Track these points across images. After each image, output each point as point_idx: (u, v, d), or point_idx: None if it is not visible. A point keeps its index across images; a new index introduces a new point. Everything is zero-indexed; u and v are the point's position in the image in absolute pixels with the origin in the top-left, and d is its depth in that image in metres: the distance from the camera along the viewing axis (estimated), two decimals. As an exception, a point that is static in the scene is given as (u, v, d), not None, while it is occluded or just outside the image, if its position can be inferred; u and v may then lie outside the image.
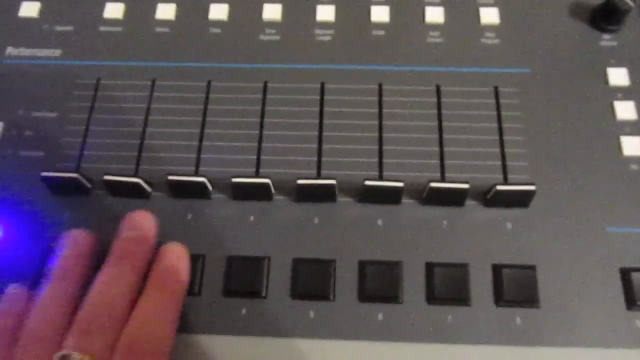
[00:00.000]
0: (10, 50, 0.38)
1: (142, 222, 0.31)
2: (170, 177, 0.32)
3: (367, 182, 0.31)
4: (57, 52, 0.38)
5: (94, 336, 0.27)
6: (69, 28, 0.39)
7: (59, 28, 0.39)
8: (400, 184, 0.31)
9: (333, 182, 0.31)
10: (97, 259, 0.31)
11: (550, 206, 0.32)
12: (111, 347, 0.27)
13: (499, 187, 0.31)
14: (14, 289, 0.30)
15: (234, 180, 0.32)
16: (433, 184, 0.31)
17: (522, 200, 0.32)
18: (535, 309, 0.30)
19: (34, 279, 0.31)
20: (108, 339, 0.27)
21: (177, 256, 0.31)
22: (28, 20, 0.39)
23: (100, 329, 0.27)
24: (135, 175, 0.33)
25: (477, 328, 0.30)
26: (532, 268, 0.31)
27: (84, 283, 0.30)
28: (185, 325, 0.30)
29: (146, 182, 0.33)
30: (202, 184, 0.32)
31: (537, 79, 0.36)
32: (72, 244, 0.31)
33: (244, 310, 0.31)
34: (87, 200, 0.34)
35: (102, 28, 0.39)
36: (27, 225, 0.33)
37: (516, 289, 0.30)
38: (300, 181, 0.31)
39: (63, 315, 0.28)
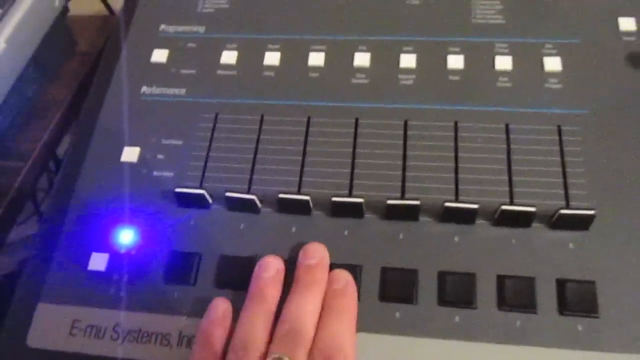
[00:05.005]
0: (144, 88, 0.46)
1: (320, 251, 0.37)
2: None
3: (447, 204, 0.37)
4: (183, 91, 0.46)
5: (295, 346, 0.33)
6: (192, 71, 0.47)
7: (183, 71, 0.47)
8: (475, 206, 0.37)
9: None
10: None
11: (609, 230, 0.37)
12: (306, 358, 0.33)
13: (562, 212, 0.36)
14: (220, 301, 0.36)
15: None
16: (504, 207, 0.36)
17: (582, 223, 0.37)
18: (596, 319, 0.35)
19: (165, 278, 0.38)
20: (304, 350, 0.33)
21: (346, 281, 0.36)
22: (158, 65, 0.48)
23: (298, 341, 0.33)
24: (249, 192, 0.39)
25: (543, 332, 0.34)
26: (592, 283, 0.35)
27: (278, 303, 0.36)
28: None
29: (259, 199, 0.39)
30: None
31: (596, 119, 0.41)
32: (271, 268, 0.37)
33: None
34: (208, 213, 0.40)
35: (219, 72, 0.47)
36: (158, 231, 0.40)
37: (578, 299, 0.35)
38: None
39: (265, 329, 0.34)
